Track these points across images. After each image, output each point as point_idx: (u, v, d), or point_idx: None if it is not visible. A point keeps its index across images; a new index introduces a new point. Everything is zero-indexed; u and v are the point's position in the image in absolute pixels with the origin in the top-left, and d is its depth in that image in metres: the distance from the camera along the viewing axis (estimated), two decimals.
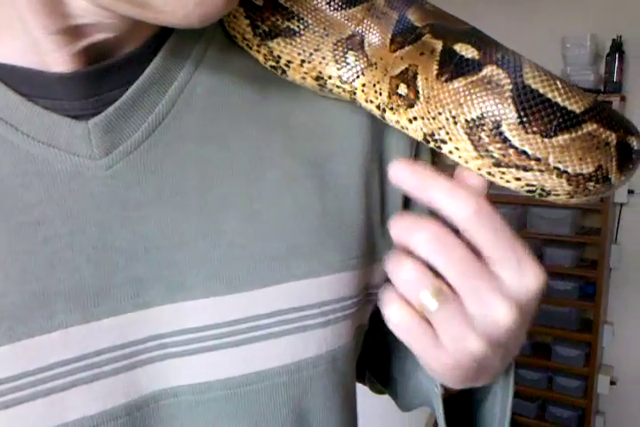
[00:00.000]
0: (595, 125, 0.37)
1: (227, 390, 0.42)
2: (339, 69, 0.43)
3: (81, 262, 0.39)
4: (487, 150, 0.38)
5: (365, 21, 0.42)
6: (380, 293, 0.39)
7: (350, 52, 0.43)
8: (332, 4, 0.42)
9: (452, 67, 0.38)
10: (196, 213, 0.42)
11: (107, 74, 0.40)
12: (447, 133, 0.39)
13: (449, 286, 0.36)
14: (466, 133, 0.38)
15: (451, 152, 0.40)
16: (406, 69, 0.40)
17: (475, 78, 0.37)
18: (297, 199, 0.45)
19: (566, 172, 0.37)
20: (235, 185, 0.43)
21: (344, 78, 0.44)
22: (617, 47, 2.60)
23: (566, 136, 0.36)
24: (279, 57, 0.44)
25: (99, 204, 0.39)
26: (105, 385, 0.39)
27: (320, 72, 0.44)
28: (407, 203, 0.54)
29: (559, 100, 0.36)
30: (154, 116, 0.42)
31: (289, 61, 0.44)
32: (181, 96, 0.43)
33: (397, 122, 0.42)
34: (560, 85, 0.36)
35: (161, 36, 0.43)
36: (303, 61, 0.44)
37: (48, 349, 0.38)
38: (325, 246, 0.46)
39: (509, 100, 0.36)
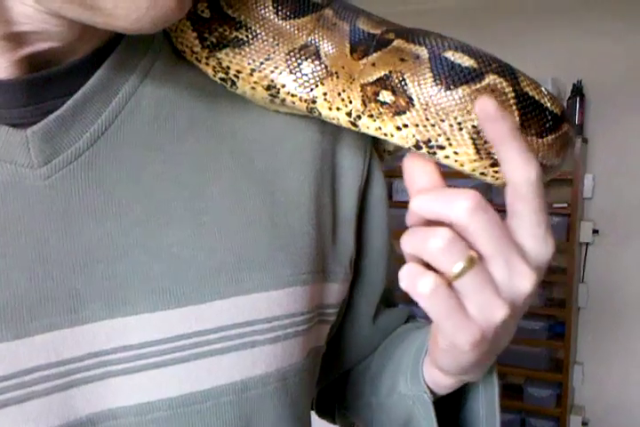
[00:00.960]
0: (567, 126, 0.42)
1: (170, 410, 0.40)
2: (294, 79, 0.43)
3: (15, 275, 0.37)
4: (489, 153, 0.40)
5: (317, 31, 0.43)
6: (401, 270, 0.38)
7: (305, 62, 0.43)
8: (279, 13, 0.43)
9: (451, 75, 0.39)
10: (137, 224, 0.41)
11: (48, 82, 0.39)
12: (448, 139, 0.40)
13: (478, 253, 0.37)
14: (471, 138, 0.40)
15: (447, 157, 0.41)
16: (387, 76, 0.41)
17: (479, 86, 0.39)
18: (245, 213, 0.44)
19: (546, 165, 0.42)
20: (179, 197, 0.42)
21: (300, 87, 0.43)
22: (578, 91, 2.68)
23: (552, 136, 0.41)
24: (228, 67, 0.44)
25: (36, 214, 0.38)
26: (38, 406, 0.37)
27: (272, 81, 0.44)
28: (360, 221, 0.54)
29: (548, 105, 0.40)
30: (96, 126, 0.41)
31: (238, 71, 0.44)
32: (125, 107, 0.42)
33: (378, 129, 0.42)
34: (545, 91, 0.41)
35: (106, 49, 0.42)
36: (253, 70, 0.44)
37: None
38: (275, 260, 0.45)
39: (513, 107, 0.39)
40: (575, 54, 2.72)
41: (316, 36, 0.43)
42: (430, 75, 0.39)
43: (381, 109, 0.41)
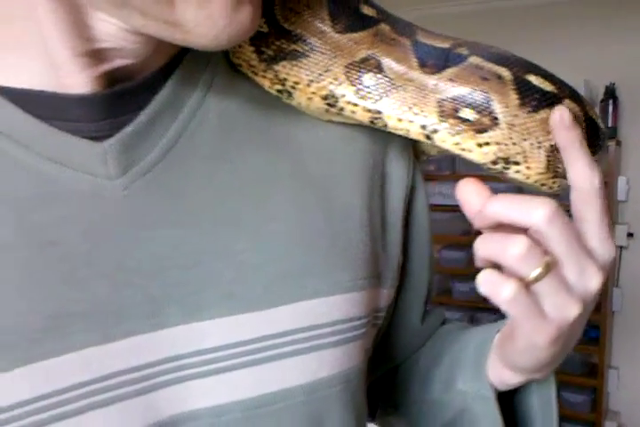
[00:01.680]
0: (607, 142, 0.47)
1: (243, 412, 0.42)
2: (355, 91, 0.45)
3: (97, 282, 0.38)
4: (556, 167, 0.45)
5: (377, 45, 0.44)
6: (480, 276, 0.41)
7: (367, 75, 0.44)
8: (336, 27, 0.44)
9: (535, 99, 0.43)
10: (208, 232, 0.42)
11: (123, 97, 0.41)
12: (525, 157, 0.44)
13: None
14: (547, 156, 0.44)
15: (517, 171, 0.45)
16: (469, 94, 0.43)
17: None
18: (305, 220, 0.46)
19: None
20: (245, 206, 0.44)
21: (362, 99, 0.45)
22: (610, 93, 2.66)
23: (601, 152, 0.47)
24: (285, 79, 0.46)
25: (114, 224, 0.40)
26: (122, 409, 0.38)
27: (331, 91, 0.45)
28: (405, 227, 0.55)
29: (601, 126, 0.47)
30: (166, 139, 0.42)
31: (296, 82, 0.46)
32: (192, 121, 0.44)
33: (456, 144, 0.44)
34: (597, 113, 0.47)
35: (171, 64, 0.44)
36: (311, 81, 0.45)
37: (64, 371, 0.37)
38: (335, 266, 0.46)
39: (584, 130, 0.44)
40: (607, 57, 2.70)
41: (376, 50, 0.44)
42: (516, 97, 0.43)
43: (462, 126, 0.43)
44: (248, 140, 0.46)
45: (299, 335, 0.44)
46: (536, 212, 0.39)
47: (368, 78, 0.45)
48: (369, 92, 0.45)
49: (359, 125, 0.49)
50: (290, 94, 0.47)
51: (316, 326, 0.44)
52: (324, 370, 0.45)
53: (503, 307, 0.40)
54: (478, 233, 0.43)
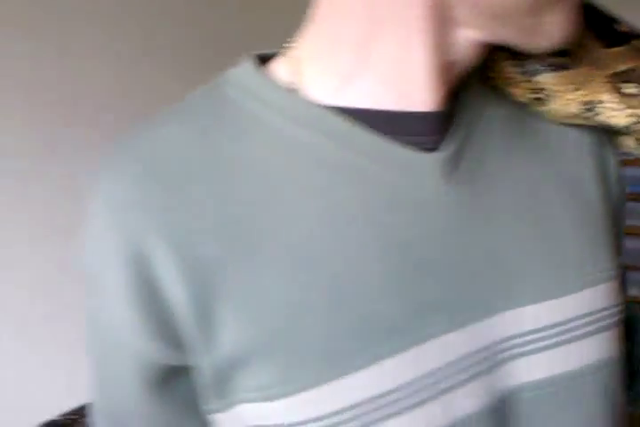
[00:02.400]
0: None
1: (560, 384, 0.47)
2: (618, 97, 0.50)
3: (445, 275, 0.44)
4: None
5: (636, 59, 0.50)
6: None
7: (628, 84, 0.50)
8: (600, 42, 0.50)
9: None
10: (528, 225, 0.48)
11: (450, 113, 0.46)
12: None
13: None
14: None
15: None
16: None
17: None
18: (577, 215, 0.51)
19: None
20: (534, 205, 0.49)
21: (623, 105, 0.50)
22: None
23: None
24: (543, 89, 0.51)
25: (448, 227, 0.45)
26: (477, 385, 0.43)
27: (592, 98, 0.51)
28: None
29: None
30: (479, 149, 0.47)
31: (555, 91, 0.51)
32: (484, 131, 0.49)
33: None
34: None
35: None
36: (574, 90, 0.50)
37: (427, 357, 0.42)
38: (603, 254, 0.51)
39: None
40: None
41: (637, 62, 0.50)
42: None
43: None
44: (519, 145, 0.51)
45: (596, 315, 0.49)
46: None
47: (629, 87, 0.50)
48: (629, 100, 0.50)
49: (580, 126, 0.54)
50: (545, 101, 0.51)
51: (607, 308, 0.50)
52: (612, 349, 0.50)
53: None
54: None
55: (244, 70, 0.46)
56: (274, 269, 0.41)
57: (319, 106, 0.43)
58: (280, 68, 0.46)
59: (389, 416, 0.40)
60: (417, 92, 0.43)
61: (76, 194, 1.94)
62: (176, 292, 0.40)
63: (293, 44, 0.47)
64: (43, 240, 1.92)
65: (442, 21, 0.41)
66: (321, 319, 0.40)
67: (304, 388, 0.40)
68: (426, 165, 0.44)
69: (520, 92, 0.52)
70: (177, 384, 0.44)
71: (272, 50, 0.49)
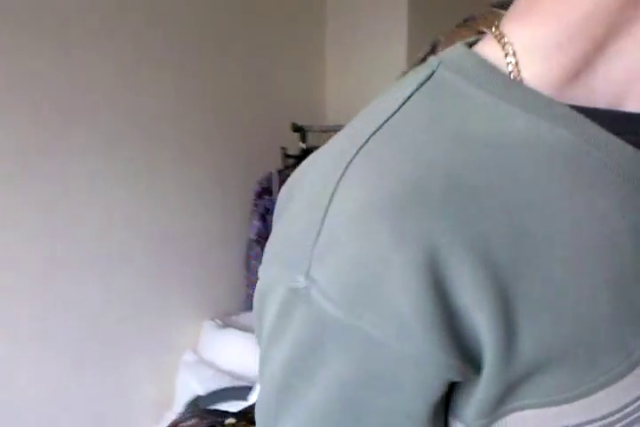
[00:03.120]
0: None
1: None
2: None
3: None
4: None
5: None
6: None
7: None
8: None
9: None
10: None
11: None
12: None
13: None
14: None
15: None
16: None
17: None
18: None
19: None
20: None
21: None
22: None
23: None
24: None
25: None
26: None
27: None
28: None
29: None
30: None
31: None
32: None
33: None
34: None
35: None
36: None
37: None
38: None
39: None
40: None
41: None
42: None
43: None
44: None
45: None
46: None
47: None
48: None
49: None
50: None
51: None
52: None
53: None
54: None
55: (465, 59, 0.43)
56: (561, 270, 0.39)
57: (560, 103, 0.41)
58: (493, 54, 0.43)
59: None
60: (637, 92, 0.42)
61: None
62: (476, 302, 0.38)
63: (493, 26, 0.44)
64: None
65: None
66: (607, 316, 0.39)
67: (601, 387, 0.39)
68: None
69: None
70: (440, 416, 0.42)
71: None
